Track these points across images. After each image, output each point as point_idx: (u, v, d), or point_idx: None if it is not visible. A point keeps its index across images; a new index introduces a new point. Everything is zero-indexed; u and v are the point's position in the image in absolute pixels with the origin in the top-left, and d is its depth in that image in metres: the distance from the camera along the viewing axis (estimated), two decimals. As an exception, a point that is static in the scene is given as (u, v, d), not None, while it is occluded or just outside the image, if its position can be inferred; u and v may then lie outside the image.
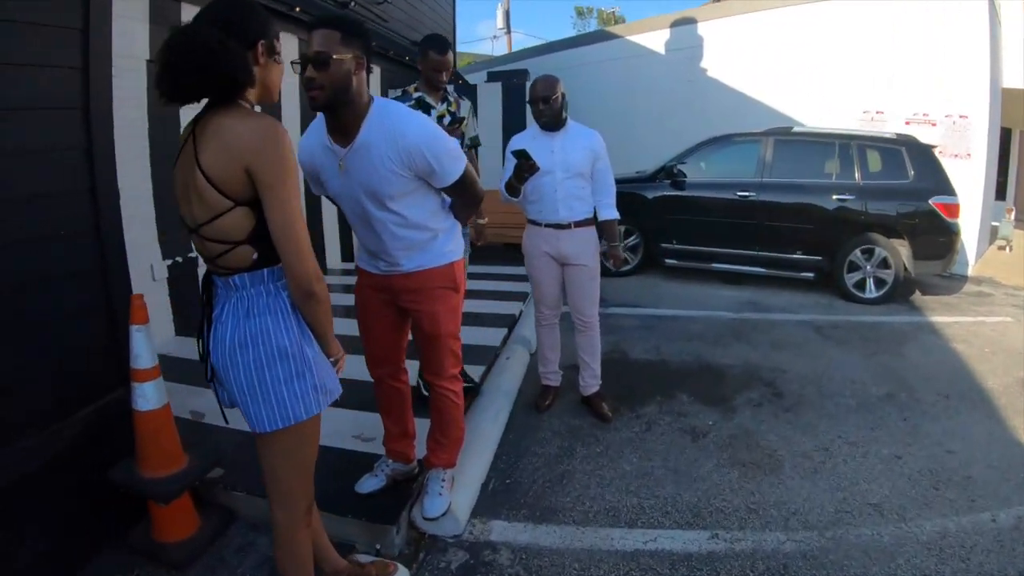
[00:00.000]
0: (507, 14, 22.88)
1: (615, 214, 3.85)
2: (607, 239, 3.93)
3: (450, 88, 3.77)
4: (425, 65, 3.57)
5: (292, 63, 2.08)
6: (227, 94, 1.65)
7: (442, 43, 3.54)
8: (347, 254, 8.40)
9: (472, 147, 3.92)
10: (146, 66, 5.30)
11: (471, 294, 6.24)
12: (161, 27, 5.44)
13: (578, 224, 3.79)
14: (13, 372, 2.80)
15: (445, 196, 2.54)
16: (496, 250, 7.95)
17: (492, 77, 11.86)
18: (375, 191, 2.31)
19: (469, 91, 10.00)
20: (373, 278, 2.63)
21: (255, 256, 1.73)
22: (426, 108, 3.58)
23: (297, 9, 6.48)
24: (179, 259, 5.72)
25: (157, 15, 5.46)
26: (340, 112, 2.19)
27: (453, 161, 2.33)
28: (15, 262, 2.82)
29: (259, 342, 1.73)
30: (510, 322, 5.75)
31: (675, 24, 12.22)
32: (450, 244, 2.58)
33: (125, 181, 5.03)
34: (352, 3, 8.89)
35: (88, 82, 3.14)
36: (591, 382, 4.15)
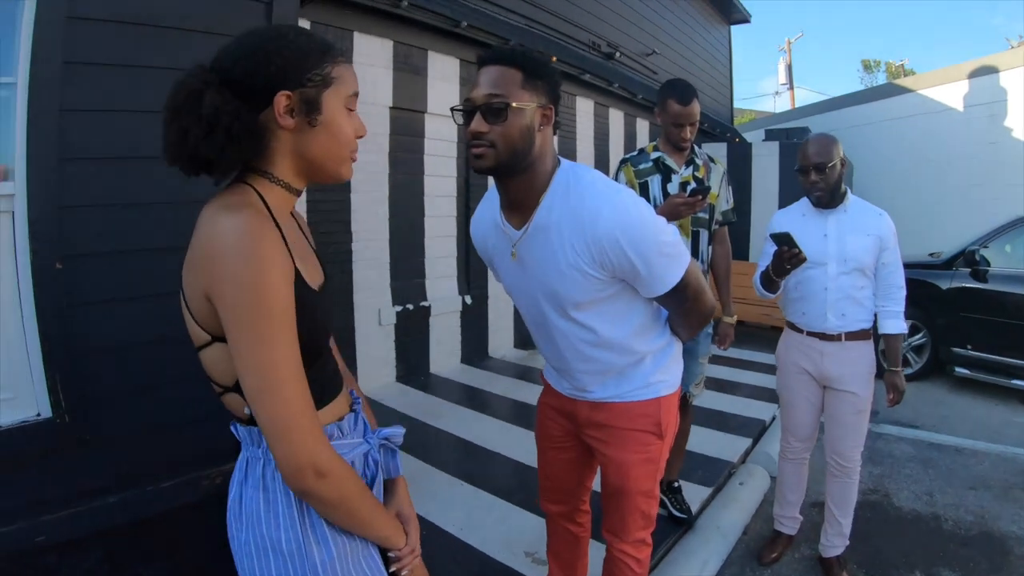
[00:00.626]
0: (789, 68, 21.46)
1: (902, 327, 2.84)
2: (887, 361, 2.95)
3: (698, 149, 3.15)
4: (665, 117, 2.97)
5: (452, 110, 1.59)
6: (226, 169, 1.14)
7: (684, 90, 2.91)
8: (523, 340, 7.27)
9: (724, 224, 3.26)
10: (389, 112, 5.41)
11: (713, 384, 5.27)
12: (405, 74, 5.58)
13: (850, 336, 2.84)
14: (199, 405, 2.58)
15: (659, 306, 1.86)
16: (758, 332, 6.97)
17: (770, 135, 11.04)
18: (555, 293, 1.69)
19: (742, 149, 9.14)
20: (556, 397, 2.02)
21: (246, 410, 1.18)
22: (666, 172, 3.02)
23: (464, 24, 5.91)
24: (410, 306, 5.74)
25: (401, 62, 5.55)
26: (513, 181, 1.61)
27: (669, 262, 1.61)
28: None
29: (251, 524, 1.19)
30: (757, 431, 4.82)
31: (972, 75, 10.36)
32: (660, 372, 1.86)
33: (360, 224, 5.27)
34: (618, 54, 8.60)
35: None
36: (835, 542, 3.16)
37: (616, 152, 8.81)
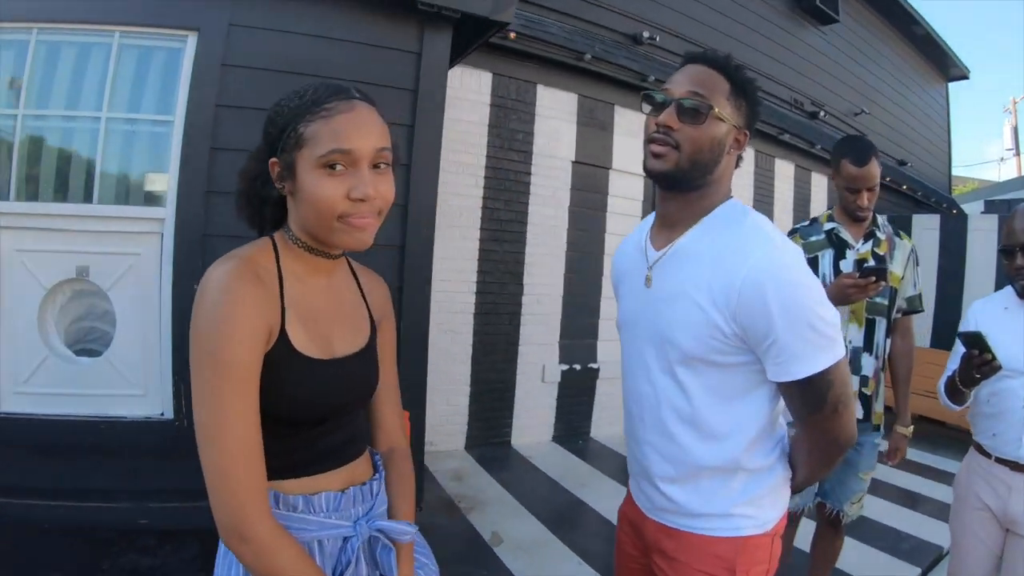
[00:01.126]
0: (1015, 131, 18.99)
1: None
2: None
3: (881, 220, 2.65)
4: (838, 181, 2.55)
5: (644, 94, 1.38)
6: (273, 226, 1.21)
7: (860, 148, 2.49)
8: None
9: (909, 312, 2.69)
10: (571, 167, 5.27)
11: (890, 492, 4.56)
12: (589, 128, 5.50)
13: (1052, 470, 2.13)
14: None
15: (781, 411, 1.44)
16: (956, 436, 5.95)
17: (990, 207, 9.54)
18: (668, 339, 1.36)
19: (957, 223, 8.04)
20: (633, 507, 1.62)
21: None
22: (840, 246, 2.57)
23: (651, 79, 5.60)
24: (576, 366, 5.58)
25: (586, 116, 5.47)
26: (680, 196, 1.38)
27: (817, 341, 1.25)
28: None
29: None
30: (930, 559, 3.81)
31: None
32: (749, 503, 1.41)
33: (533, 278, 5.15)
34: (823, 113, 7.99)
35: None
36: None
37: (818, 220, 7.95)
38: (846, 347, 2.41)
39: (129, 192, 3.16)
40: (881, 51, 9.71)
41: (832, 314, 1.25)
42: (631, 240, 1.59)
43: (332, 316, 1.19)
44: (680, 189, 1.35)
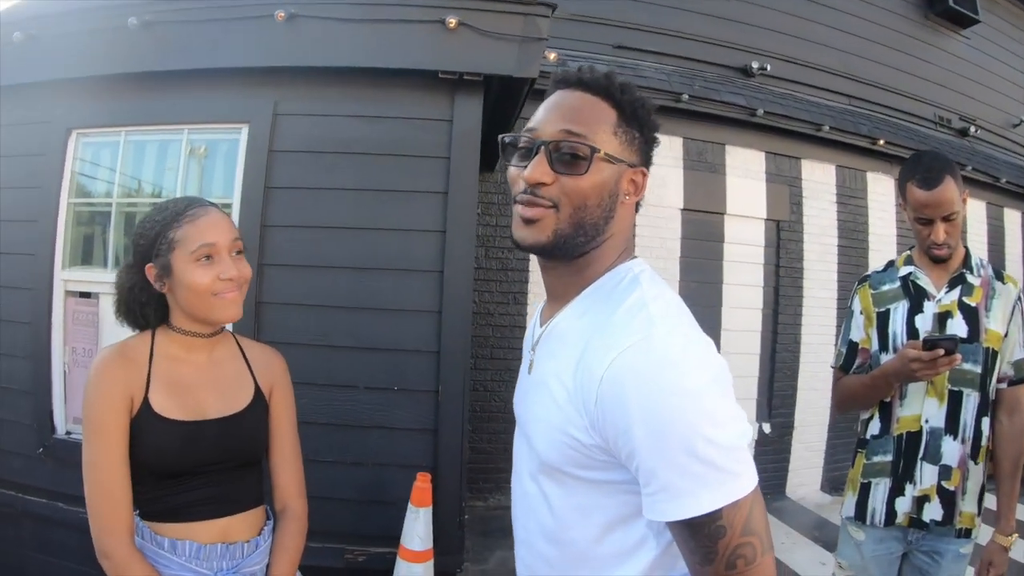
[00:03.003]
0: None
1: None
2: None
3: (976, 260, 2.08)
4: (907, 209, 2.05)
5: (500, 139, 1.12)
6: (154, 323, 1.48)
7: (929, 167, 1.94)
8: (833, 483, 5.81)
9: (1017, 382, 2.00)
10: (680, 214, 4.91)
11: None
12: (698, 172, 5.23)
13: None
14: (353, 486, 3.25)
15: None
16: None
17: None
18: (529, 431, 1.13)
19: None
20: None
21: None
22: (917, 296, 2.04)
23: (760, 112, 5.26)
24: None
25: (693, 159, 5.23)
26: (562, 265, 1.10)
27: (698, 468, 0.90)
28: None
29: None
30: None
31: None
32: None
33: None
34: (974, 129, 7.09)
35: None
36: None
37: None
38: (921, 428, 1.96)
39: None
40: (1036, 49, 8.55)
41: (733, 433, 0.89)
42: (537, 310, 1.30)
43: (205, 385, 1.43)
44: (563, 257, 1.06)
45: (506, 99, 3.60)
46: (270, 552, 1.47)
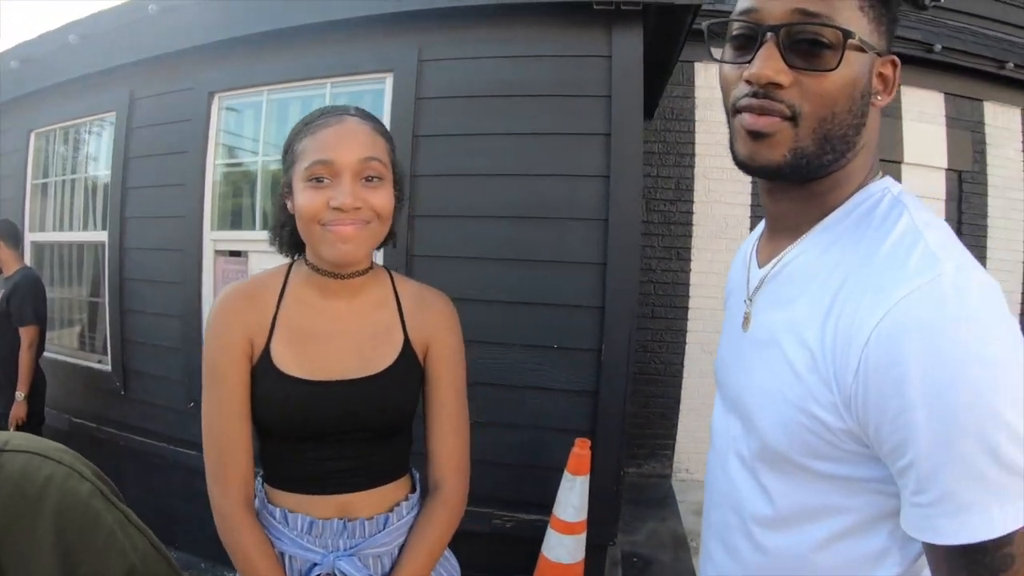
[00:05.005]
0: None
1: None
2: None
3: None
4: None
5: (709, 35, 0.90)
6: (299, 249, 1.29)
7: None
8: None
9: None
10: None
11: None
12: (960, 132, 4.80)
13: None
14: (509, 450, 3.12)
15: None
16: None
17: None
18: (749, 408, 0.85)
19: None
20: None
21: None
22: None
23: (938, 48, 4.61)
24: None
25: (957, 118, 4.77)
26: (800, 187, 0.84)
27: (997, 473, 0.62)
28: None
29: None
30: None
31: None
32: None
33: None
34: None
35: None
36: None
37: None
38: None
39: None
40: None
41: None
42: (742, 249, 1.09)
43: (339, 337, 1.20)
44: (803, 179, 0.82)
45: (665, 36, 3.29)
46: (409, 531, 1.23)
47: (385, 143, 1.17)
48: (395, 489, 1.25)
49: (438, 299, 1.33)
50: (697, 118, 4.25)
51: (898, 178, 4.68)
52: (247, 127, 3.76)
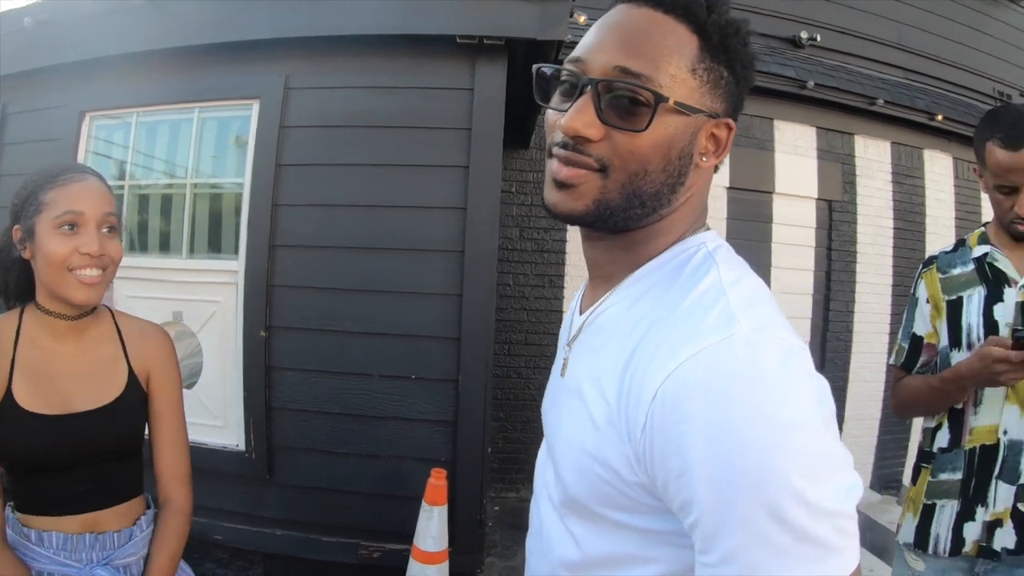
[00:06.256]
0: None
1: None
2: None
3: None
4: (985, 176, 1.68)
5: (537, 81, 0.84)
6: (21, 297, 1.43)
7: (1015, 124, 1.57)
8: (884, 481, 5.64)
9: None
10: (726, 193, 4.98)
11: None
12: (745, 149, 4.94)
13: None
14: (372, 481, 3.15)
15: None
16: None
17: None
18: (558, 453, 0.85)
19: None
20: None
21: None
22: (995, 281, 1.68)
23: (811, 84, 4.88)
24: None
25: (739, 135, 4.77)
26: (615, 236, 0.82)
27: (785, 540, 0.60)
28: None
29: None
30: None
31: None
32: None
33: None
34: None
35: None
36: None
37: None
38: (998, 441, 1.62)
39: (221, 247, 3.53)
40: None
41: (838, 489, 0.63)
42: (577, 293, 1.03)
43: (73, 374, 1.31)
44: (612, 230, 0.80)
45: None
46: (149, 544, 1.37)
47: (114, 200, 1.34)
48: (136, 504, 1.39)
49: (156, 332, 1.47)
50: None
51: (770, 208, 4.94)
52: (116, 149, 3.71)
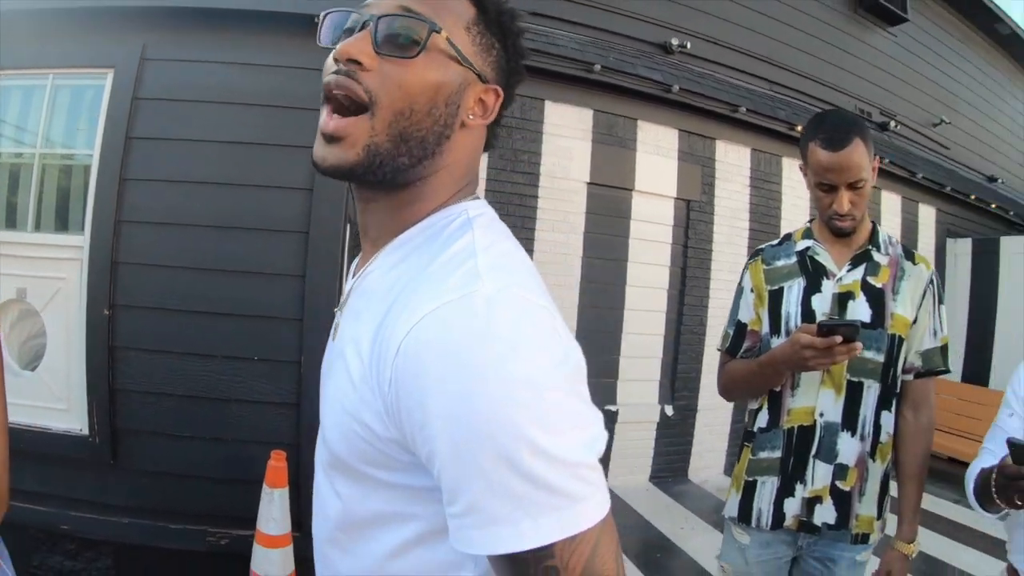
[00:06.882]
0: None
1: None
2: None
3: (884, 236, 1.85)
4: (808, 176, 1.78)
5: (323, 18, 0.84)
6: None
7: (836, 126, 1.69)
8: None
9: (927, 374, 1.81)
10: (586, 188, 5.05)
11: None
12: (607, 147, 5.12)
13: None
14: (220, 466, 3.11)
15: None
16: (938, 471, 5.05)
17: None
18: (324, 413, 0.85)
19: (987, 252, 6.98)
20: None
21: None
22: (815, 274, 1.79)
23: (676, 89, 5.18)
24: None
25: (603, 133, 5.14)
26: (385, 194, 0.83)
27: (522, 488, 0.64)
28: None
29: None
30: None
31: None
32: None
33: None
34: (894, 124, 7.17)
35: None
36: None
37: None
38: (815, 422, 1.72)
39: (68, 222, 3.42)
40: (961, 53, 8.58)
41: (576, 441, 0.66)
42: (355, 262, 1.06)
43: None
44: (381, 182, 0.80)
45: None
46: None
47: None
48: None
49: None
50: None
51: (629, 205, 5.16)
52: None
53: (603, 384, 5.16)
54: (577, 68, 4.64)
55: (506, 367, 0.63)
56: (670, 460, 5.42)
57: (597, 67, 4.64)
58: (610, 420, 5.07)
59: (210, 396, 3.05)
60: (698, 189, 5.37)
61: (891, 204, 7.13)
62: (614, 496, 4.19)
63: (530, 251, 4.72)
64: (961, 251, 7.62)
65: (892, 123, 7.26)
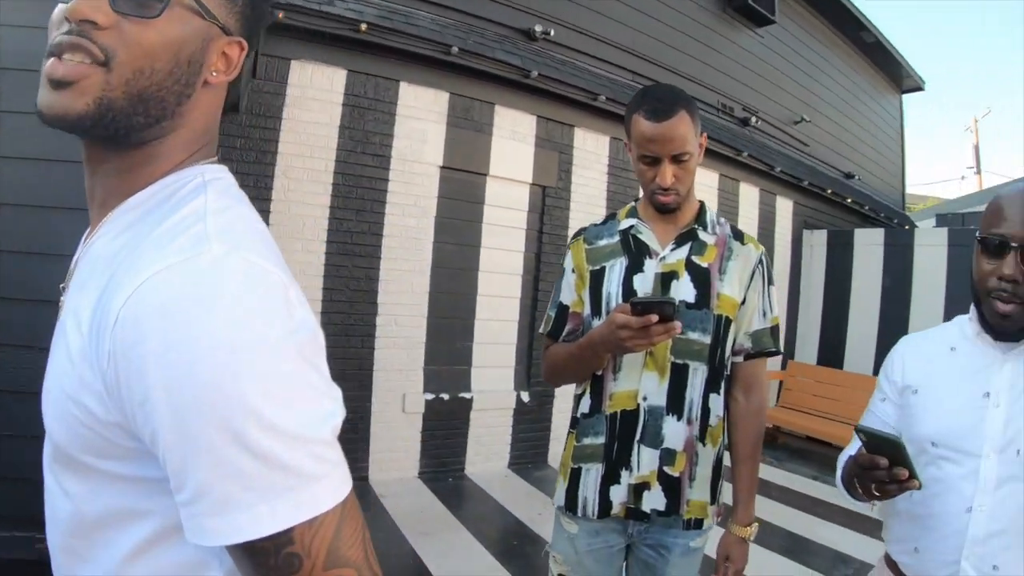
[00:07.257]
0: (976, 150, 18.64)
1: None
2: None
3: (712, 215, 1.80)
4: (632, 149, 1.71)
5: None
6: None
7: (660, 98, 1.62)
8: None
9: (757, 355, 1.78)
10: (439, 172, 4.97)
11: None
12: (462, 131, 5.06)
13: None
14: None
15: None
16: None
17: (941, 221, 9.06)
18: (44, 399, 0.71)
19: (902, 236, 7.47)
20: None
21: None
22: (638, 252, 1.73)
23: (535, 74, 5.25)
24: (444, 396, 5.12)
25: (458, 117, 5.08)
26: (117, 153, 0.74)
27: (252, 466, 0.58)
28: None
29: None
30: None
31: None
32: None
33: (389, 296, 4.61)
34: (755, 120, 7.47)
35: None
36: None
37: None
38: (638, 406, 1.67)
39: None
40: (826, 57, 9.12)
41: (308, 415, 0.62)
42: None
43: None
44: (112, 146, 0.73)
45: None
46: None
47: None
48: None
49: None
50: (285, 116, 4.22)
51: (483, 190, 5.12)
52: None
53: (455, 371, 5.11)
54: (434, 49, 4.57)
55: (232, 333, 0.58)
56: (528, 446, 5.44)
57: (455, 49, 4.58)
58: (465, 407, 5.04)
59: (23, 392, 2.72)
60: (555, 175, 5.41)
61: (750, 196, 7.45)
62: (471, 483, 4.17)
63: (379, 236, 4.67)
64: (817, 242, 8.08)
65: (754, 119, 7.58)
